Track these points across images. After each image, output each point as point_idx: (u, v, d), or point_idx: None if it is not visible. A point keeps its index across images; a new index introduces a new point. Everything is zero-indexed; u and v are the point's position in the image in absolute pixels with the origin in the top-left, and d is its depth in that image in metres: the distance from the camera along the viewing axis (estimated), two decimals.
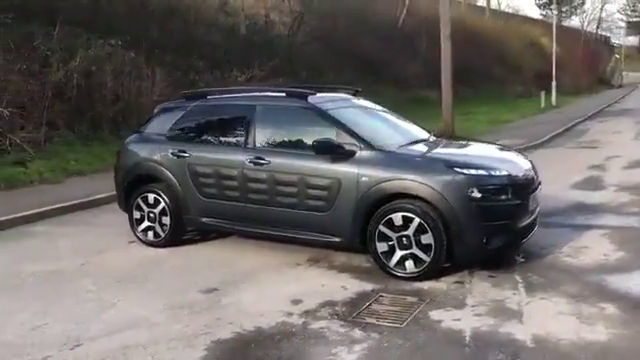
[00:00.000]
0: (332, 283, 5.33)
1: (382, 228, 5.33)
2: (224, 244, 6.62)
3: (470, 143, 6.47)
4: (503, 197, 5.21)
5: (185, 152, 6.31)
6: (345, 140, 5.56)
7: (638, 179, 9.72)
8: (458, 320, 4.45)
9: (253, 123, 6.03)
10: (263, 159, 5.84)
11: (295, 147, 5.82)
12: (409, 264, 5.27)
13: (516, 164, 5.74)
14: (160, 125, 6.69)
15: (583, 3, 59.53)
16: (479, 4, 40.82)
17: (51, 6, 14.43)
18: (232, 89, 7.22)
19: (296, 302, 4.91)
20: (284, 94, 6.21)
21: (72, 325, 4.60)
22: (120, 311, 4.88)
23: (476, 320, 4.43)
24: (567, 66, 39.05)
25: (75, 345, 4.26)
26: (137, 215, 6.62)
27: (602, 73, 53.63)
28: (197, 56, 15.72)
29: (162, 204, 6.45)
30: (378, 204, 5.36)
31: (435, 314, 4.58)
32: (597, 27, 63.38)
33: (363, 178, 5.40)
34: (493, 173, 5.25)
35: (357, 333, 4.30)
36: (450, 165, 5.24)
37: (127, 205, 6.74)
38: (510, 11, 42.57)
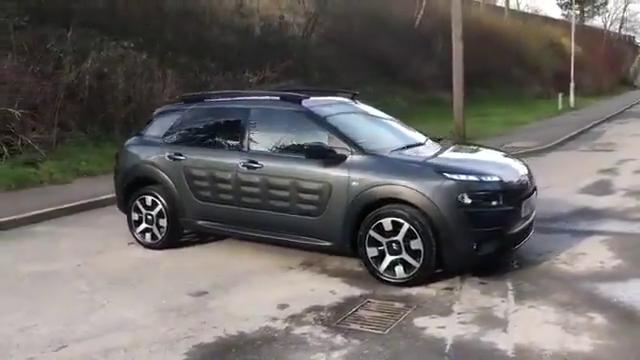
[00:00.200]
0: (322, 287, 5.32)
1: (372, 233, 5.30)
2: (221, 247, 6.64)
3: (466, 147, 6.41)
4: (494, 203, 5.15)
5: (181, 155, 6.34)
6: (337, 144, 5.54)
7: None
8: (442, 328, 4.40)
9: (247, 127, 6.05)
10: (256, 163, 5.85)
11: (288, 151, 5.82)
12: (399, 269, 5.24)
13: (510, 169, 5.66)
14: (158, 128, 6.74)
15: (606, 3, 58.58)
16: (498, 4, 40.41)
17: (67, 9, 14.64)
18: (230, 92, 7.25)
19: (283, 307, 4.90)
20: (278, 98, 6.21)
21: (60, 326, 4.65)
22: (108, 313, 4.93)
23: (460, 328, 4.39)
24: (588, 67, 38.53)
25: (59, 347, 4.30)
26: (135, 217, 6.68)
27: (625, 74, 52.79)
28: (210, 58, 15.80)
29: (159, 206, 6.50)
30: (368, 209, 5.34)
31: (420, 321, 4.54)
32: (620, 27, 62.41)
33: (353, 183, 5.38)
34: (484, 179, 5.19)
35: (338, 339, 4.28)
36: (440, 170, 5.19)
37: (126, 207, 6.80)
38: (529, 11, 42.10)
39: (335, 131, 5.64)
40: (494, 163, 5.78)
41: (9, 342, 4.37)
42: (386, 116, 6.85)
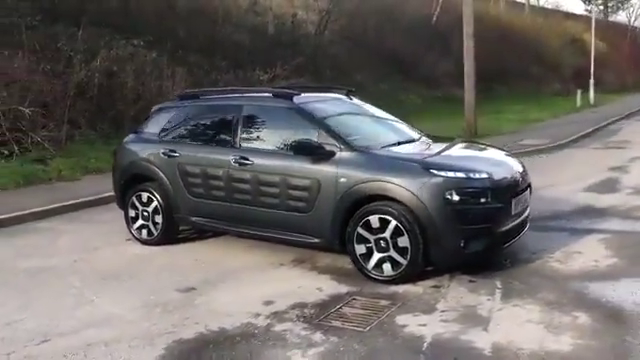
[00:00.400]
0: (309, 284, 5.31)
1: (360, 230, 5.28)
2: (217, 243, 6.67)
3: (459, 144, 6.32)
4: (482, 200, 5.08)
5: (175, 152, 6.38)
6: (326, 141, 5.52)
7: None
8: (423, 326, 4.37)
9: (240, 123, 6.06)
10: (247, 159, 5.86)
11: (278, 147, 5.82)
12: (386, 267, 5.20)
13: (501, 166, 5.59)
14: (154, 125, 6.79)
15: None
16: (518, 0, 39.89)
17: (80, 8, 14.85)
18: (225, 89, 7.26)
19: (267, 303, 4.91)
20: (270, 94, 6.21)
21: (46, 321, 4.71)
22: (96, 308, 4.98)
23: (441, 326, 4.34)
24: (611, 63, 37.85)
25: (42, 341, 4.35)
26: (132, 213, 6.74)
27: None
28: (221, 56, 15.87)
29: (155, 203, 6.55)
30: (357, 206, 5.31)
31: (402, 319, 4.51)
32: None
33: (342, 179, 5.36)
34: (472, 176, 5.12)
35: (317, 336, 4.27)
36: (427, 167, 5.14)
37: (123, 203, 6.87)
38: (550, 7, 41.48)
39: (324, 127, 5.62)
40: (485, 160, 5.71)
41: None
42: (381, 112, 6.81)
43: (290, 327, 4.44)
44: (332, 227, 5.44)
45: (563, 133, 15.55)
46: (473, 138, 14.60)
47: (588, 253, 5.84)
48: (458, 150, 6.03)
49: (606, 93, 30.67)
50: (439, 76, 23.44)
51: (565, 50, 35.55)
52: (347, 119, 6.13)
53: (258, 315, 4.68)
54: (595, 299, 4.72)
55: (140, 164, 6.67)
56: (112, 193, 8.95)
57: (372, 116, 6.57)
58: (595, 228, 6.74)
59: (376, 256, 5.24)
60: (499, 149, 6.36)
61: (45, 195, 9.15)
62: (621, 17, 58.89)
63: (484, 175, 5.18)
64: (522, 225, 5.69)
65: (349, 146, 5.47)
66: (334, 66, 18.82)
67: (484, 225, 5.09)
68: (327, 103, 6.27)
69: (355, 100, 6.81)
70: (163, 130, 6.63)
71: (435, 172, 5.08)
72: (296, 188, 5.59)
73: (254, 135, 6.01)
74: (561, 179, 9.72)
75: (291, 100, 5.95)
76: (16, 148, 10.75)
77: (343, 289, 5.17)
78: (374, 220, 5.20)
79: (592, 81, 27.17)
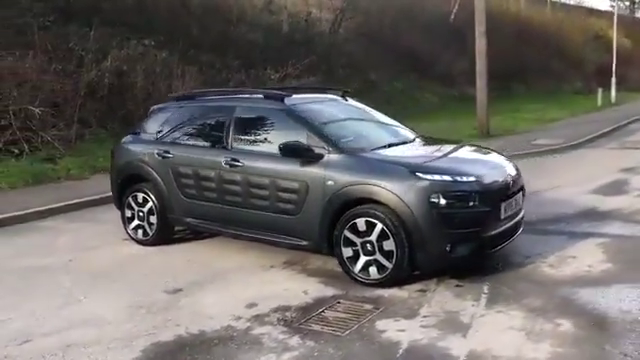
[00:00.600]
0: (296, 287, 5.29)
1: (347, 233, 5.24)
2: (212, 244, 6.67)
3: (452, 146, 6.24)
4: (469, 204, 5.00)
5: (169, 153, 6.41)
6: (315, 143, 5.49)
7: None
8: (402, 331, 4.32)
9: (231, 125, 6.06)
10: (238, 161, 5.86)
11: (268, 149, 5.80)
12: (373, 270, 5.16)
13: (491, 169, 5.49)
14: (150, 126, 6.84)
15: None
16: None
17: (95, 7, 15.01)
18: (220, 90, 7.27)
19: (251, 306, 4.90)
20: (262, 96, 6.20)
21: (32, 321, 4.77)
22: (82, 308, 5.03)
23: (420, 332, 4.29)
24: (636, 60, 37.03)
25: (24, 341, 4.40)
26: (128, 213, 6.79)
27: None
28: (233, 55, 15.91)
29: (150, 203, 6.58)
30: (344, 208, 5.27)
31: (382, 324, 4.46)
32: None
33: (329, 182, 5.32)
34: (459, 179, 5.04)
35: (294, 340, 4.25)
36: (413, 170, 5.07)
37: (120, 203, 6.92)
38: (573, 3, 40.71)
39: (313, 129, 5.59)
40: (474, 162, 5.61)
41: None
42: (376, 113, 6.75)
43: (269, 331, 4.43)
44: (320, 230, 5.41)
45: (579, 133, 15.27)
46: (485, 138, 14.45)
47: (583, 258, 5.72)
48: (449, 152, 5.95)
49: (629, 91, 30.07)
50: (455, 74, 23.19)
51: (587, 47, 34.91)
52: (339, 121, 6.10)
53: (239, 318, 4.67)
54: (581, 306, 4.62)
55: (136, 164, 6.71)
56: None
57: (366, 118, 6.52)
58: (594, 232, 6.60)
59: (362, 259, 5.20)
60: (494, 151, 6.24)
61: (52, 194, 9.26)
62: None
63: (471, 178, 5.09)
64: (514, 228, 5.60)
65: (337, 148, 5.43)
66: (347, 64, 18.74)
67: (471, 229, 5.01)
68: (320, 104, 6.24)
69: (351, 101, 6.76)
70: (158, 131, 6.67)
71: (421, 175, 5.01)
72: (285, 190, 5.57)
73: (245, 137, 6.00)
74: (569, 180, 9.55)
75: (282, 101, 5.93)
76: (26, 147, 10.91)
77: (329, 292, 5.15)
78: (360, 223, 5.16)
79: (614, 79, 26.65)
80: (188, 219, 6.38)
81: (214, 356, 4.08)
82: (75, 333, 4.52)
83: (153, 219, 6.58)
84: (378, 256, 5.12)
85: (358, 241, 5.20)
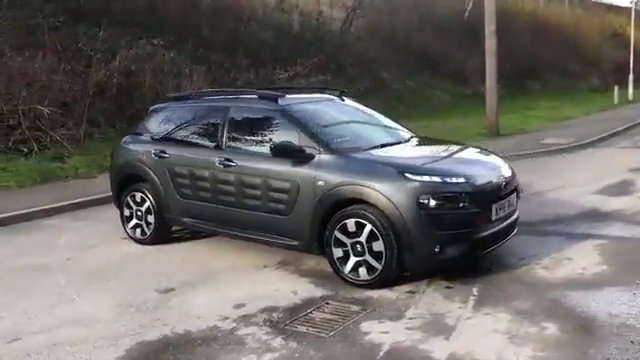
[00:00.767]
0: (286, 287, 5.30)
1: (337, 234, 5.23)
2: (209, 243, 6.69)
3: (446, 146, 6.19)
4: (459, 205, 4.97)
5: (165, 153, 6.45)
6: (306, 143, 5.49)
7: None
8: (385, 333, 4.30)
9: (226, 125, 6.08)
10: (232, 161, 5.88)
11: (261, 149, 5.81)
12: (362, 271, 5.15)
13: (482, 170, 5.44)
14: (148, 126, 6.89)
15: None
16: None
17: (106, 8, 15.15)
18: (216, 91, 7.29)
19: (239, 306, 4.92)
20: (256, 96, 6.21)
21: (23, 319, 4.83)
22: (74, 307, 5.08)
23: (403, 334, 4.27)
24: None
25: (13, 339, 4.46)
26: (127, 213, 6.85)
27: None
28: (243, 54, 15.95)
29: (147, 203, 6.64)
30: (334, 209, 5.27)
31: (367, 325, 4.45)
32: None
33: (319, 182, 5.32)
34: (448, 180, 5.01)
35: (277, 341, 4.26)
36: (402, 171, 5.05)
37: (119, 202, 6.98)
38: (592, 0, 40.08)
39: (305, 129, 5.59)
40: (466, 163, 5.55)
41: None
42: (374, 113, 6.71)
43: (254, 331, 4.44)
44: (311, 230, 5.41)
45: (591, 131, 15.07)
46: (494, 137, 14.34)
47: (578, 260, 5.65)
48: (441, 153, 5.91)
49: None
50: (468, 73, 23.01)
51: (606, 44, 34.42)
52: (333, 121, 6.09)
53: (226, 318, 4.69)
54: (570, 309, 4.56)
55: (134, 164, 6.77)
56: None
57: (362, 118, 6.49)
58: (594, 233, 6.52)
59: (352, 260, 5.19)
60: (490, 152, 6.18)
61: (59, 192, 9.36)
62: None
63: (461, 179, 5.05)
64: (508, 230, 5.54)
65: (328, 149, 5.42)
66: (358, 63, 18.68)
67: (461, 230, 4.98)
68: (314, 105, 6.23)
69: (347, 101, 6.74)
70: (156, 131, 6.71)
71: (410, 176, 4.99)
72: (276, 190, 5.58)
73: (239, 137, 6.02)
74: (575, 180, 9.43)
75: (275, 102, 5.94)
76: (35, 146, 11.05)
77: (318, 293, 5.14)
78: (350, 224, 5.15)
79: (631, 76, 26.26)
80: (185, 219, 6.42)
81: (196, 356, 4.10)
82: (64, 332, 4.57)
83: (151, 218, 6.63)
84: (368, 257, 5.10)
85: (348, 242, 5.19)
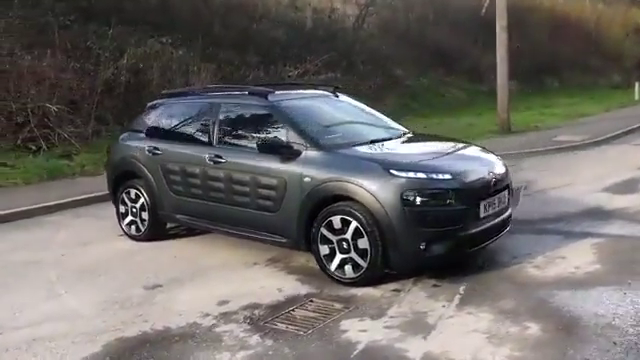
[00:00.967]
0: (273, 285, 5.26)
1: (324, 230, 5.18)
2: (203, 240, 6.68)
3: (437, 143, 6.10)
4: (444, 202, 4.87)
5: (158, 149, 6.45)
6: (294, 139, 5.44)
7: None
8: (364, 331, 4.24)
9: (216, 121, 6.06)
10: (221, 157, 5.86)
11: (250, 146, 5.77)
12: (348, 268, 5.09)
13: (471, 167, 5.31)
14: (143, 122, 6.90)
15: None
16: None
17: (118, 7, 15.26)
18: (209, 87, 7.28)
19: (222, 303, 4.89)
20: (247, 92, 6.18)
21: (8, 314, 4.87)
22: (60, 303, 5.10)
23: (382, 333, 4.20)
24: None
25: None
26: (122, 209, 6.88)
27: None
28: (254, 52, 15.95)
29: (142, 200, 6.65)
30: (321, 206, 5.21)
31: (347, 323, 4.39)
32: None
33: (306, 179, 5.27)
34: (434, 176, 4.91)
35: (254, 339, 4.22)
36: (387, 167, 4.97)
37: (115, 199, 7.01)
38: None
39: (293, 126, 5.54)
40: (455, 160, 5.43)
41: None
42: (368, 109, 6.64)
43: (232, 328, 4.41)
44: (298, 227, 5.36)
45: (607, 128, 14.75)
46: (506, 134, 14.13)
47: (572, 258, 5.51)
48: (431, 149, 5.82)
49: None
50: (484, 69, 22.68)
51: (628, 40, 33.72)
52: (324, 117, 6.04)
53: (207, 315, 4.67)
54: (556, 308, 4.45)
55: (129, 161, 6.78)
56: None
57: (354, 114, 6.42)
58: (593, 232, 6.35)
59: (338, 257, 5.13)
60: (483, 148, 6.05)
61: (64, 189, 9.45)
62: None
63: (447, 176, 4.95)
64: (499, 227, 5.43)
65: (316, 145, 5.36)
66: (370, 60, 18.54)
67: (447, 228, 4.88)
68: (305, 101, 6.19)
69: (342, 97, 6.67)
70: (149, 128, 6.72)
71: (395, 172, 4.91)
72: (264, 187, 5.55)
73: (229, 133, 6.00)
74: (582, 178, 9.23)
75: (265, 98, 5.90)
76: (43, 144, 11.17)
77: (304, 290, 5.10)
78: (336, 221, 5.10)
79: None
80: (178, 216, 6.42)
81: (172, 353, 4.08)
82: (46, 327, 4.59)
83: (145, 215, 6.65)
84: (353, 254, 5.04)
85: (334, 239, 5.13)
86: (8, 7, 12.66)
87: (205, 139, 6.10)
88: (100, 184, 9.62)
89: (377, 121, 6.43)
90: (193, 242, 6.68)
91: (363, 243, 4.96)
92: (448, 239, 4.91)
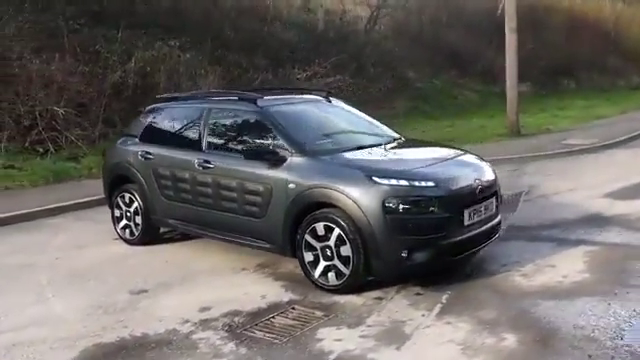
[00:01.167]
0: (257, 291, 5.25)
1: (308, 237, 5.16)
2: (196, 245, 6.68)
3: (426, 149, 6.04)
4: (426, 209, 4.82)
5: (151, 154, 6.49)
6: (281, 145, 5.44)
7: None
8: (339, 340, 4.21)
9: (206, 126, 6.08)
10: (210, 162, 5.87)
11: (238, 151, 5.78)
12: (331, 276, 5.07)
13: (456, 174, 5.24)
14: (137, 127, 6.95)
15: None
16: None
17: (129, 10, 15.39)
18: (200, 93, 7.32)
19: (203, 309, 4.90)
20: (236, 97, 6.19)
21: None
22: (46, 307, 5.15)
23: (356, 342, 4.17)
24: None
25: None
26: (117, 213, 6.93)
27: None
28: (263, 54, 15.97)
29: (135, 204, 6.70)
30: (305, 212, 5.20)
31: (324, 332, 4.37)
32: None
33: (290, 185, 5.26)
34: (416, 184, 4.87)
35: (228, 347, 4.22)
36: (369, 174, 4.93)
37: (110, 203, 7.07)
38: None
39: (280, 131, 5.53)
40: (440, 167, 5.35)
41: None
42: (361, 115, 6.60)
43: (209, 336, 4.42)
44: (283, 233, 5.35)
45: (620, 131, 14.48)
46: (515, 137, 13.96)
47: (562, 267, 5.42)
48: (417, 156, 5.76)
49: None
50: (498, 71, 22.44)
51: None
52: (313, 122, 6.03)
53: (186, 322, 4.68)
54: (537, 319, 4.38)
55: (123, 165, 6.83)
56: None
57: (345, 119, 6.39)
58: (588, 239, 6.24)
59: (322, 264, 5.11)
60: (472, 154, 5.97)
61: (68, 192, 9.53)
62: None
63: (430, 183, 4.90)
64: (487, 235, 5.36)
65: (301, 151, 5.35)
66: (380, 62, 18.44)
67: (429, 236, 4.83)
68: (295, 106, 6.17)
69: (335, 102, 6.65)
70: (143, 132, 6.77)
71: (377, 180, 4.87)
72: (251, 193, 5.55)
73: (218, 138, 6.02)
74: (586, 183, 9.08)
75: (254, 103, 5.90)
76: (51, 146, 11.30)
77: (286, 297, 5.09)
78: (320, 228, 5.08)
79: None
80: (170, 220, 6.45)
81: None
82: (29, 332, 4.63)
83: (138, 219, 6.69)
84: (336, 262, 5.02)
85: (318, 246, 5.12)
86: (19, 11, 12.84)
87: (195, 144, 6.11)
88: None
89: (368, 127, 6.39)
90: (186, 247, 6.70)
91: (346, 250, 4.94)
92: (430, 247, 4.86)
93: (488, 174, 5.50)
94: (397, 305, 4.78)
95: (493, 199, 5.42)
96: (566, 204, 7.78)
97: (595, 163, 11.06)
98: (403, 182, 4.87)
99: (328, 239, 5.04)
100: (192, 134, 6.21)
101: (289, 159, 5.33)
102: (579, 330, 4.13)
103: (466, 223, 5.03)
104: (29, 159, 11.03)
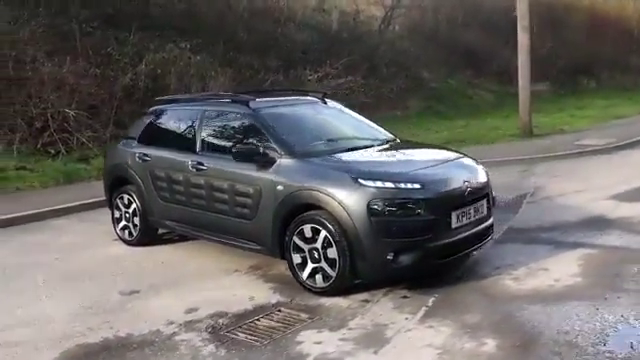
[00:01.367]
0: (245, 293, 5.26)
1: (296, 239, 5.15)
2: (192, 246, 6.71)
3: (415, 151, 5.99)
4: (414, 211, 4.78)
5: (148, 156, 6.54)
6: (270, 147, 5.44)
7: None
8: (318, 344, 4.20)
9: (200, 128, 6.11)
10: (203, 164, 5.90)
11: (230, 153, 5.78)
12: (319, 278, 5.06)
13: (444, 176, 5.18)
14: (137, 129, 7.01)
15: None
16: None
17: (144, 12, 15.55)
18: (198, 96, 7.34)
19: (190, 311, 4.92)
20: (229, 99, 6.21)
21: None
22: (38, 307, 5.21)
23: (335, 345, 4.15)
24: None
25: None
26: (117, 214, 7.00)
27: None
28: (275, 56, 16.01)
29: (134, 205, 6.76)
30: (293, 214, 5.19)
31: (305, 335, 4.36)
32: None
33: (279, 187, 5.26)
34: (402, 186, 4.82)
35: (208, 349, 4.23)
36: (355, 176, 4.90)
37: (110, 204, 7.14)
38: None
39: (270, 133, 5.54)
40: (428, 168, 5.30)
41: None
42: (356, 116, 6.57)
43: (191, 337, 4.43)
44: (272, 235, 5.35)
45: (637, 131, 14.19)
46: (527, 137, 13.78)
47: (555, 270, 5.33)
48: (406, 157, 5.71)
49: None
50: (514, 71, 22.18)
51: None
52: (305, 124, 6.02)
53: (171, 323, 4.70)
54: (521, 324, 4.31)
55: (122, 167, 6.91)
56: None
57: (339, 121, 6.36)
58: (586, 242, 6.13)
59: (310, 266, 5.10)
60: (466, 156, 5.89)
61: (76, 193, 9.63)
62: None
63: (416, 185, 4.86)
64: (478, 237, 5.29)
65: (290, 153, 5.34)
66: (394, 62, 18.36)
67: (415, 238, 4.78)
68: (288, 108, 6.17)
69: (330, 104, 6.63)
70: (141, 134, 6.83)
71: (362, 182, 4.84)
72: (241, 195, 5.56)
73: (211, 140, 6.04)
74: (594, 184, 8.92)
75: (247, 105, 5.91)
76: (62, 148, 11.47)
77: (274, 299, 5.08)
78: (307, 230, 5.07)
79: None
80: (166, 222, 6.50)
81: None
82: (17, 332, 4.69)
83: (137, 220, 6.75)
84: (323, 264, 5.00)
85: (306, 248, 5.11)
86: (34, 15, 13.05)
87: (189, 146, 6.15)
88: None
89: (362, 128, 6.36)
90: (182, 248, 6.73)
91: (332, 253, 4.92)
92: (417, 250, 4.81)
93: (479, 176, 5.43)
94: (382, 308, 4.74)
95: (484, 201, 5.35)
96: (569, 206, 7.65)
97: (607, 164, 10.86)
98: (389, 184, 4.83)
99: (315, 241, 5.03)
100: (187, 136, 6.25)
101: (278, 161, 5.33)
102: (562, 335, 4.05)
103: (454, 225, 4.97)
104: (41, 160, 11.21)
